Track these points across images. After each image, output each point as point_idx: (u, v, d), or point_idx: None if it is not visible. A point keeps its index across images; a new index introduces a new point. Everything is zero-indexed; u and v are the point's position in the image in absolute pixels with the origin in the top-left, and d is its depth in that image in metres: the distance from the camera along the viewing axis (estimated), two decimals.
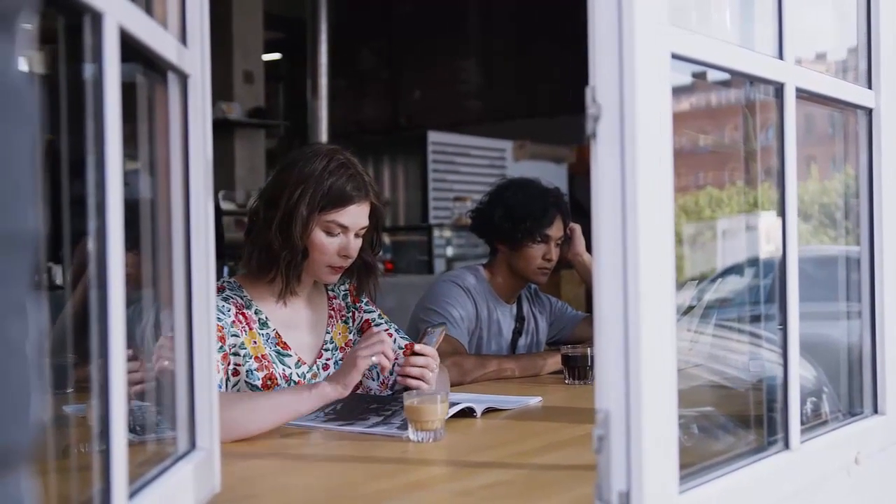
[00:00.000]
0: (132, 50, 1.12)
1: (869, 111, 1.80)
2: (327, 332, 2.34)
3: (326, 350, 2.33)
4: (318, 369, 2.29)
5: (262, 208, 2.21)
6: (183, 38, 1.35)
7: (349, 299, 2.42)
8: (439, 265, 7.42)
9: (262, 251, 2.20)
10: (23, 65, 0.61)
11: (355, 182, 2.21)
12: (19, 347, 0.58)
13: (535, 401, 2.35)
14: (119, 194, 1.02)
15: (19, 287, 0.59)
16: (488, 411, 2.17)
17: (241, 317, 2.18)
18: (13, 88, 0.59)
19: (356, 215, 2.21)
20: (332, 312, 2.38)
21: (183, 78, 1.35)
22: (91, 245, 1.01)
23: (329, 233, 2.19)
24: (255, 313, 2.22)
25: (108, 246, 1.00)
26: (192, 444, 1.37)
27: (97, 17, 0.99)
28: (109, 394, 1.01)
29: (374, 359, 1.97)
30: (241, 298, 2.22)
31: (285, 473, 1.71)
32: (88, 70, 1.02)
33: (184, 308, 1.37)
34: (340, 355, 2.33)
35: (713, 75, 1.53)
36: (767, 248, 1.92)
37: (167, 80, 1.33)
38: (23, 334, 0.59)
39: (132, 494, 1.10)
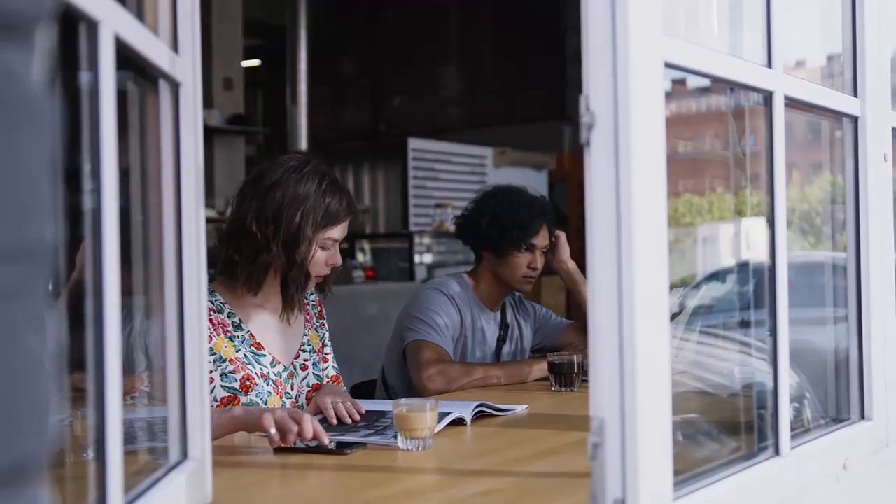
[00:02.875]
0: (125, 58, 1.11)
1: (855, 119, 1.82)
2: (304, 335, 2.43)
3: (304, 351, 2.41)
4: (294, 369, 2.37)
5: (255, 225, 2.23)
6: (175, 46, 1.34)
7: (316, 311, 2.52)
8: (420, 272, 7.41)
9: (261, 270, 2.26)
10: (39, 75, 0.60)
11: (348, 198, 2.33)
12: (38, 359, 0.58)
13: (521, 409, 2.35)
14: (114, 203, 1.02)
15: (37, 298, 0.59)
16: (478, 417, 2.18)
17: (209, 323, 2.21)
18: (31, 99, 0.58)
19: (345, 228, 2.34)
20: (308, 317, 2.47)
21: (175, 86, 1.34)
22: (86, 253, 1.00)
23: (323, 248, 2.30)
24: (228, 317, 2.28)
25: (103, 254, 1.00)
26: (184, 455, 1.36)
27: (93, 26, 0.99)
28: (105, 404, 1.00)
29: (272, 431, 1.80)
30: (212, 303, 2.25)
31: (276, 483, 1.70)
32: (83, 77, 1.01)
33: (175, 318, 1.36)
34: (317, 357, 2.44)
35: (692, 82, 1.54)
36: (749, 255, 1.94)
37: (158, 88, 1.32)
38: (41, 346, 0.59)
39: None
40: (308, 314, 2.47)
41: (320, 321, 2.52)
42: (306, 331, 2.44)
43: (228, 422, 1.94)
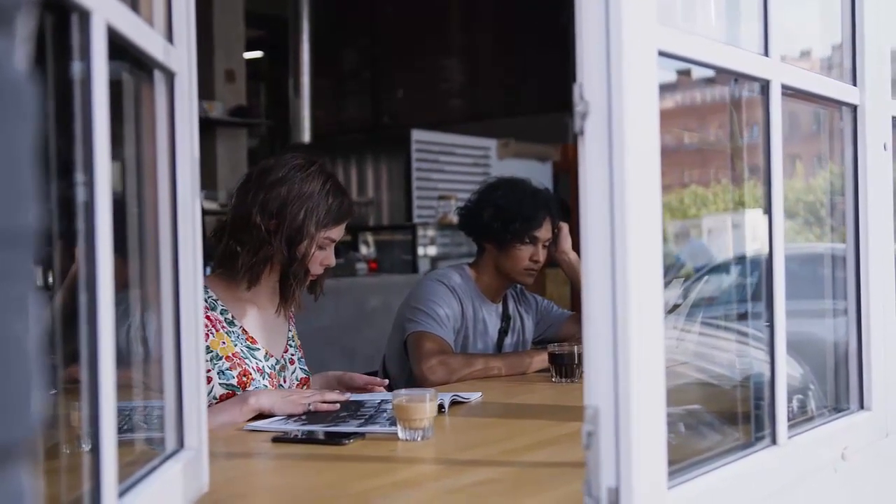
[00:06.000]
0: (118, 48, 1.11)
1: (854, 108, 1.81)
2: (289, 331, 2.47)
3: (291, 346, 2.46)
4: (285, 362, 2.41)
5: (258, 218, 2.25)
6: (169, 37, 1.34)
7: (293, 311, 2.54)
8: (423, 265, 7.41)
9: (262, 263, 2.28)
10: (21, 62, 0.61)
11: (349, 200, 2.37)
12: (22, 343, 0.59)
13: (476, 396, 2.38)
14: (107, 194, 1.02)
15: (22, 283, 0.59)
16: (453, 404, 2.22)
17: (205, 320, 2.22)
18: (13, 86, 0.59)
19: (343, 230, 2.38)
20: (290, 315, 2.50)
21: (170, 76, 1.34)
22: (80, 246, 1.00)
23: (321, 247, 2.32)
24: (221, 313, 2.30)
25: (96, 247, 1.00)
26: (181, 444, 1.36)
27: (85, 15, 0.99)
28: (99, 395, 1.00)
29: (311, 407, 2.13)
30: (205, 300, 2.25)
31: (273, 473, 1.71)
32: (76, 68, 1.01)
33: (171, 309, 1.36)
34: (300, 353, 2.49)
35: (697, 72, 1.54)
36: (753, 246, 1.93)
37: (153, 79, 1.32)
38: (25, 330, 0.59)
39: (121, 494, 1.09)
40: (291, 311, 2.50)
41: (293, 323, 2.55)
42: (290, 327, 2.48)
43: (251, 412, 2.09)
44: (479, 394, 2.41)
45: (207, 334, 2.21)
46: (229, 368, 2.24)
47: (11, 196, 0.57)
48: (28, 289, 0.60)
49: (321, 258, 2.33)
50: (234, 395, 2.21)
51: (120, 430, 1.11)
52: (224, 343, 2.26)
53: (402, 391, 1.95)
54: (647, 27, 1.19)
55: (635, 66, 1.17)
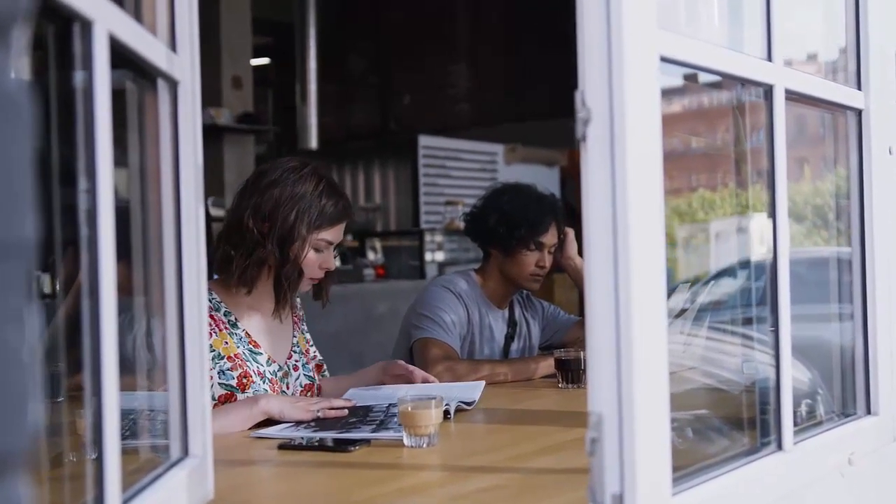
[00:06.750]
0: (121, 57, 1.12)
1: (858, 112, 1.81)
2: (294, 336, 2.47)
3: (295, 352, 2.45)
4: (289, 368, 2.41)
5: (251, 221, 2.26)
6: (172, 45, 1.35)
7: (302, 315, 2.55)
8: (431, 270, 7.41)
9: (256, 266, 2.28)
10: (19, 73, 0.61)
11: (344, 202, 2.36)
12: (17, 354, 0.59)
13: (479, 385, 2.42)
14: (110, 202, 1.02)
15: (18, 294, 0.59)
16: (458, 410, 2.21)
17: (209, 319, 2.23)
18: (10, 97, 0.59)
19: (341, 232, 2.37)
20: (296, 320, 2.50)
21: (173, 84, 1.34)
22: (83, 254, 1.01)
23: (317, 249, 2.32)
24: (225, 315, 2.31)
25: (99, 254, 1.00)
26: (185, 452, 1.36)
27: (87, 25, 0.99)
28: (102, 402, 1.00)
29: (319, 414, 2.12)
30: (210, 301, 2.27)
31: (279, 480, 1.71)
32: (78, 77, 1.02)
33: (175, 316, 1.37)
34: (305, 359, 2.47)
35: (704, 77, 1.54)
36: (760, 251, 1.93)
37: (157, 87, 1.33)
38: (21, 341, 0.59)
39: (125, 501, 1.09)
40: (296, 317, 2.51)
41: (303, 325, 2.55)
42: (295, 332, 2.48)
43: (261, 415, 2.08)
44: (482, 382, 2.43)
45: (210, 333, 2.22)
46: (230, 369, 2.24)
47: (8, 207, 0.58)
48: (25, 299, 0.60)
49: (319, 261, 2.32)
50: (233, 395, 2.21)
51: (123, 437, 1.11)
52: (227, 343, 2.27)
53: (408, 397, 1.95)
54: (648, 32, 1.19)
55: (637, 72, 1.16)
